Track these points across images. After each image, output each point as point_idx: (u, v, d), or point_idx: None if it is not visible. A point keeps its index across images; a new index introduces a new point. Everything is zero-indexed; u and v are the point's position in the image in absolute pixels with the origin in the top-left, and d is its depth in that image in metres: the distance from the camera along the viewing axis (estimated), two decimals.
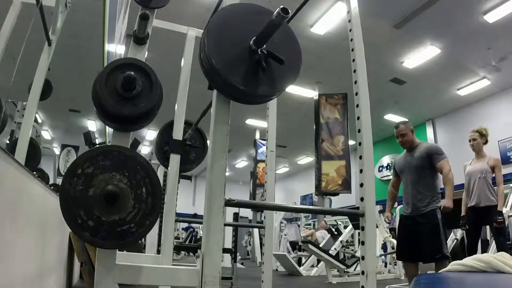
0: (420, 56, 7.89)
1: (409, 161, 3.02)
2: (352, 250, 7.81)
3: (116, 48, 4.78)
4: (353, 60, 1.68)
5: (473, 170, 3.64)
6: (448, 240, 4.89)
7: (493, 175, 3.57)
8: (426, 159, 2.90)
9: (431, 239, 2.72)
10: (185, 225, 13.30)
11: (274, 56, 1.29)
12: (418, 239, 2.77)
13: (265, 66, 1.28)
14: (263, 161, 7.18)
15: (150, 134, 12.57)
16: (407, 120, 3.18)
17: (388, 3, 6.34)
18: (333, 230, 8.24)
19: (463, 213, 3.80)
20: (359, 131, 1.60)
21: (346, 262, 6.33)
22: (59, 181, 5.80)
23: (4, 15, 2.44)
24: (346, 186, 9.09)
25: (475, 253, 3.58)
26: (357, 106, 1.63)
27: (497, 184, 3.53)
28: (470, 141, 3.69)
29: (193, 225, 12.74)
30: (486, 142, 3.67)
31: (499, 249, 3.45)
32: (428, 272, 3.09)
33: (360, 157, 1.58)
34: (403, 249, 2.95)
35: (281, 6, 1.15)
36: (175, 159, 2.62)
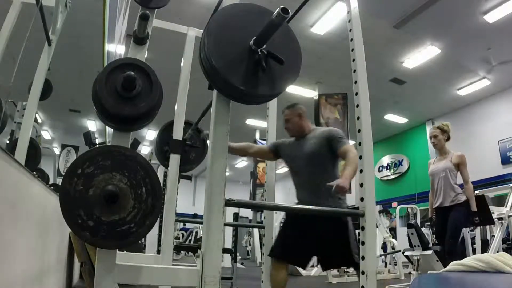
0: (420, 56, 7.89)
1: (300, 149, 2.37)
2: None
3: (116, 48, 4.78)
4: (353, 60, 1.68)
5: (436, 169, 3.45)
6: None
7: (458, 173, 3.36)
8: (325, 145, 2.27)
9: (339, 244, 2.14)
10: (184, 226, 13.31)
11: (274, 56, 1.29)
12: (320, 243, 2.18)
13: (265, 66, 1.28)
14: (263, 161, 7.17)
15: (150, 134, 12.57)
16: (296, 103, 2.49)
17: (388, 3, 6.34)
18: None
19: (429, 215, 3.63)
20: (359, 131, 1.60)
21: None
22: (59, 181, 5.81)
23: (4, 15, 2.45)
24: None
25: (454, 255, 3.26)
26: (357, 106, 1.63)
27: (464, 182, 3.31)
28: (431, 138, 3.50)
29: (189, 226, 12.73)
30: (448, 138, 3.49)
31: (447, 254, 3.18)
32: (428, 272, 3.09)
33: (360, 157, 1.58)
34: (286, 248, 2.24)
35: (281, 6, 1.15)
36: (175, 159, 2.62)
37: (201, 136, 2.77)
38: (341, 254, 2.15)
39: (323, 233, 2.14)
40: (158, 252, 4.46)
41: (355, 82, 1.65)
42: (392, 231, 7.80)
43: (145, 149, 13.93)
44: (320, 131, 2.38)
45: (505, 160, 9.18)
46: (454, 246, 3.24)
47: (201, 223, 1.62)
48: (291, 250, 2.21)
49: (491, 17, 6.42)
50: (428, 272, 3.20)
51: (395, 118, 11.17)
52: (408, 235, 4.47)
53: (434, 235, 3.74)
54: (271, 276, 2.24)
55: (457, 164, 3.35)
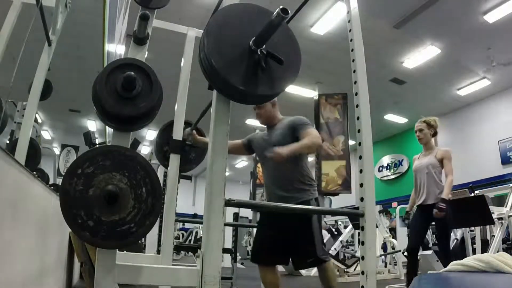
0: (420, 56, 7.89)
1: (267, 140, 2.29)
2: (352, 250, 7.81)
3: (116, 48, 4.78)
4: (353, 60, 1.68)
5: (419, 166, 3.29)
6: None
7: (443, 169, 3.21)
8: (289, 135, 2.18)
9: (304, 240, 2.12)
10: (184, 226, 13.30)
11: (274, 56, 1.29)
12: (285, 237, 2.16)
13: (264, 66, 1.28)
14: None
15: (150, 134, 12.56)
16: None
17: (388, 3, 6.34)
18: (333, 230, 8.25)
19: (408, 209, 3.56)
20: (359, 131, 1.60)
21: (346, 262, 6.33)
22: (59, 181, 5.81)
23: (4, 15, 2.45)
24: (346, 186, 9.09)
25: (415, 255, 3.21)
26: (357, 106, 1.63)
27: (446, 175, 3.17)
28: (416, 132, 3.35)
29: (189, 226, 12.72)
30: (435, 134, 3.34)
31: (442, 255, 3.08)
32: (428, 272, 3.08)
33: (360, 157, 1.58)
34: (261, 250, 2.26)
35: (281, 7, 1.15)
36: (175, 159, 2.62)
37: (183, 137, 2.65)
38: (306, 251, 2.14)
39: (288, 230, 2.13)
40: (158, 252, 4.45)
41: (355, 82, 1.65)
42: (392, 231, 7.80)
43: (145, 149, 13.93)
44: (286, 120, 2.31)
45: (505, 160, 9.18)
46: (447, 246, 3.15)
47: (201, 223, 1.62)
48: (269, 252, 2.21)
49: (491, 17, 6.42)
50: (428, 272, 3.19)
51: (395, 118, 11.17)
52: (408, 235, 4.46)
53: (408, 230, 3.56)
54: (261, 279, 2.24)
55: (441, 159, 3.20)
